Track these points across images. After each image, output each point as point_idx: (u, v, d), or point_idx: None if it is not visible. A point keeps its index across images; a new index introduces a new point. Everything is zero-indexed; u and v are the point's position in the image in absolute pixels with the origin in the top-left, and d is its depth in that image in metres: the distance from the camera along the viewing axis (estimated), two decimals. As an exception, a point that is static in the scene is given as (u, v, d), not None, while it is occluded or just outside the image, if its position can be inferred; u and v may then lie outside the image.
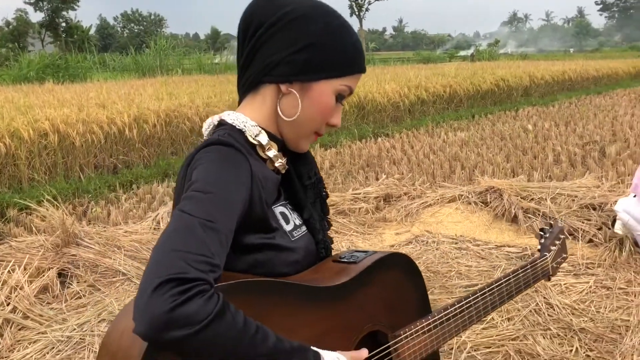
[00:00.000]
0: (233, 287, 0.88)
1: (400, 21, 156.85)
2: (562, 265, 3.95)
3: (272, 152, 1.10)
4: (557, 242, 1.65)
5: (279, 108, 1.09)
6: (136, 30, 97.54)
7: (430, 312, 1.22)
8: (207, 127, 1.14)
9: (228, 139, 1.02)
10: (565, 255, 1.70)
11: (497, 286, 1.36)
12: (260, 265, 1.05)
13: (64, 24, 54.69)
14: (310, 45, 1.06)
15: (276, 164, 1.12)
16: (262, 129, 1.11)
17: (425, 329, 1.16)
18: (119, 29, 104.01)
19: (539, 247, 1.63)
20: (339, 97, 1.11)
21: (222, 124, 1.12)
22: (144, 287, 0.79)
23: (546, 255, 1.57)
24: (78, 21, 54.27)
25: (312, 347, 0.92)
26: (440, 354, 2.88)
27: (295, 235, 1.13)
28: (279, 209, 1.14)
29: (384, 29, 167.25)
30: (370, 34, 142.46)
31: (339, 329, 1.03)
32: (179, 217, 0.87)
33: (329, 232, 1.25)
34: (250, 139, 1.09)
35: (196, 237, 0.84)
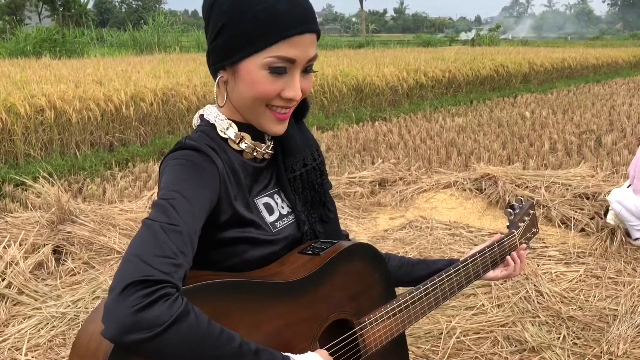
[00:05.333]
0: (196, 289, 0.91)
1: (402, 3, 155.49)
2: (551, 254, 3.97)
3: (244, 144, 1.12)
4: (527, 218, 1.62)
5: (227, 95, 1.10)
6: (134, 6, 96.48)
7: (395, 297, 1.25)
8: (195, 121, 1.16)
9: (194, 141, 1.04)
10: (535, 230, 1.67)
11: (463, 267, 1.38)
12: (233, 257, 1.08)
13: (61, -2, 53.96)
14: (223, 27, 1.03)
15: (254, 154, 1.13)
16: (232, 120, 1.12)
17: (390, 314, 1.20)
18: (117, 4, 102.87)
19: (507, 224, 1.61)
20: (276, 69, 1.02)
21: (202, 119, 1.14)
22: (111, 291, 0.81)
23: (514, 232, 1.56)
24: (76, -5, 53.51)
25: (282, 353, 0.94)
26: (429, 338, 2.92)
27: (278, 226, 1.15)
28: (263, 200, 1.15)
29: (385, 11, 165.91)
30: (371, 16, 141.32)
31: (303, 321, 1.06)
32: (145, 224, 0.90)
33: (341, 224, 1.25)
34: (221, 134, 1.11)
35: (159, 241, 0.87)
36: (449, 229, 4.51)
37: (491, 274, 1.50)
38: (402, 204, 5.08)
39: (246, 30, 1.01)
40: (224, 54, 1.05)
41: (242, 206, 1.08)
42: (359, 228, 4.60)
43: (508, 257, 1.51)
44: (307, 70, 1.08)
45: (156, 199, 0.96)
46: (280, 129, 1.11)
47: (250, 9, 1.00)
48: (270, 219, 1.14)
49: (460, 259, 1.41)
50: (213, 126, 1.12)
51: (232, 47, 1.03)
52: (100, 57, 17.55)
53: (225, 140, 1.11)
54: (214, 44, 1.06)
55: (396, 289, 1.31)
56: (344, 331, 1.15)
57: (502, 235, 1.53)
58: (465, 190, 5.23)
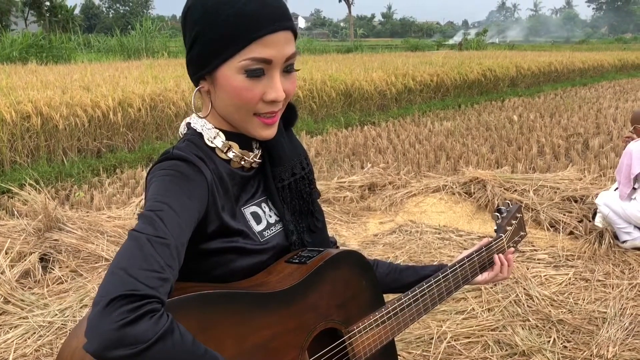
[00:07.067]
0: (181, 302, 0.89)
1: (389, 8, 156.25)
2: (540, 257, 3.98)
3: (232, 153, 1.10)
4: (514, 222, 1.62)
5: (211, 105, 1.09)
6: (122, 11, 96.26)
7: (384, 304, 1.24)
8: (181, 129, 1.15)
9: (181, 152, 1.02)
10: (523, 234, 1.67)
11: (451, 272, 1.37)
12: (220, 267, 1.06)
13: (47, 3, 53.67)
14: (196, 37, 1.02)
15: (242, 163, 1.12)
16: (220, 129, 1.10)
17: (379, 321, 1.19)
18: (104, 9, 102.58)
19: (495, 227, 1.60)
20: (253, 72, 1.00)
21: (189, 127, 1.13)
22: (95, 305, 0.79)
23: (502, 236, 1.56)
24: (62, 0, 53.31)
25: None
26: (420, 343, 2.91)
27: (266, 235, 1.14)
28: (250, 209, 1.13)
29: (373, 15, 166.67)
30: (359, 20, 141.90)
31: (290, 331, 1.04)
32: (131, 236, 0.88)
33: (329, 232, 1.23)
34: (209, 143, 1.09)
35: (146, 253, 0.85)
36: (439, 233, 4.52)
37: (479, 278, 1.49)
38: (392, 209, 5.09)
39: (218, 36, 1.00)
40: (200, 63, 1.04)
41: (229, 216, 1.06)
42: (348, 233, 4.59)
43: (496, 258, 1.50)
44: (288, 70, 1.06)
45: (143, 210, 0.94)
46: (269, 133, 1.09)
47: (221, 14, 0.99)
48: (258, 228, 1.13)
49: (449, 265, 1.40)
50: (200, 135, 1.10)
51: (208, 55, 1.02)
52: (87, 63, 17.43)
53: (213, 149, 1.09)
54: (191, 54, 1.05)
55: (385, 295, 1.30)
56: (333, 340, 1.13)
57: (490, 240, 1.53)
58: (454, 194, 5.24)
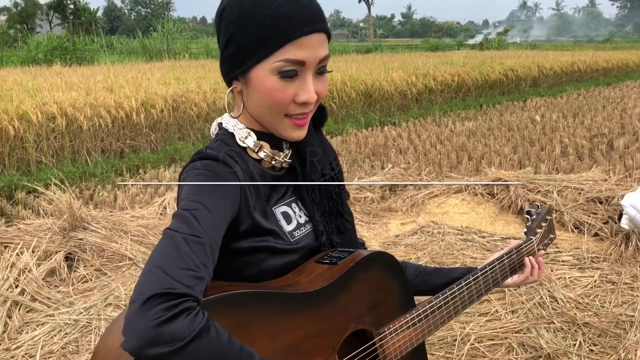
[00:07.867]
0: (215, 301, 0.90)
1: (409, 8, 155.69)
2: (565, 259, 3.93)
3: (263, 153, 1.10)
4: (544, 224, 1.61)
5: (243, 105, 1.09)
6: (143, 13, 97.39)
7: (415, 306, 1.23)
8: (213, 129, 1.16)
9: (214, 151, 1.03)
10: (552, 236, 1.66)
11: (482, 274, 1.37)
12: (251, 267, 1.07)
13: (71, 6, 54.59)
14: (231, 37, 1.03)
15: (273, 162, 1.12)
16: (251, 129, 1.11)
17: (410, 324, 1.19)
18: (126, 11, 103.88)
19: (525, 230, 1.60)
20: (286, 73, 1.00)
21: (221, 127, 1.14)
22: (132, 303, 0.80)
23: (532, 238, 1.54)
24: (86, 3, 54.16)
25: None
26: (443, 345, 2.89)
27: (296, 235, 1.14)
28: (281, 209, 1.14)
29: (393, 16, 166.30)
30: (379, 20, 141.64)
31: (322, 332, 1.04)
32: (166, 235, 0.89)
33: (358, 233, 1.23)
34: (240, 143, 1.10)
35: (181, 252, 0.85)
36: (461, 234, 4.48)
37: (509, 280, 1.48)
38: (413, 209, 5.06)
39: (253, 36, 1.00)
40: (234, 64, 1.05)
41: (260, 215, 1.07)
42: (369, 233, 4.58)
43: (526, 261, 1.49)
44: (320, 71, 1.06)
45: (177, 209, 0.95)
46: (299, 134, 1.09)
47: (256, 15, 0.99)
48: (288, 228, 1.13)
49: (479, 267, 1.39)
50: (232, 135, 1.11)
51: (242, 56, 1.02)
52: (110, 64, 17.67)
53: (244, 149, 1.10)
54: (225, 54, 1.06)
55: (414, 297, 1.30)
56: (364, 342, 1.13)
57: (520, 242, 1.52)
58: (476, 195, 5.20)
